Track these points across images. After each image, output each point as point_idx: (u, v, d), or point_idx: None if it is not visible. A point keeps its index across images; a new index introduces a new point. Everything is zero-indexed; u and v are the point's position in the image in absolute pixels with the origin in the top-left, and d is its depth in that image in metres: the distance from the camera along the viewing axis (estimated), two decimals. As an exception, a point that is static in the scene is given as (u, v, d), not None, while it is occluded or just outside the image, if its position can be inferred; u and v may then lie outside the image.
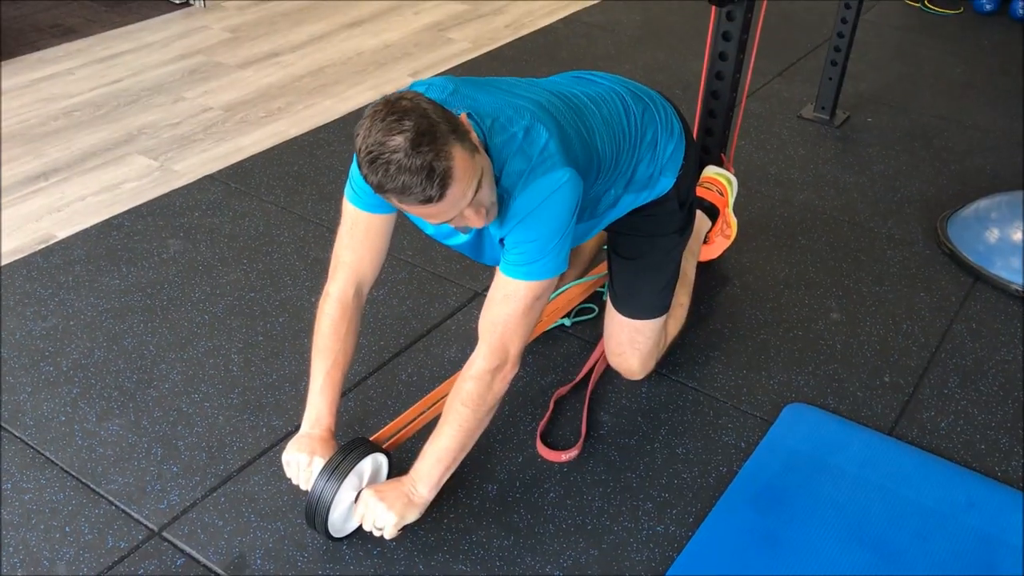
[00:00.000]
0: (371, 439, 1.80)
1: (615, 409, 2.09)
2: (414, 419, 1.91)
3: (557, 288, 2.28)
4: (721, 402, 2.12)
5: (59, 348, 2.20)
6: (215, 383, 2.12)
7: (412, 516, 1.71)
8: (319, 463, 1.70)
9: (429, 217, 1.51)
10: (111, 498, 1.84)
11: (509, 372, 1.69)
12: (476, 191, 1.48)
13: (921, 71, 3.80)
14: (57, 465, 1.91)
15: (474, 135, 1.52)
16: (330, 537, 1.72)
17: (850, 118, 3.39)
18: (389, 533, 1.68)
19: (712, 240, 2.46)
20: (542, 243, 1.60)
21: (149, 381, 2.12)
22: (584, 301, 2.35)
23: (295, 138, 3.11)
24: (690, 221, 2.05)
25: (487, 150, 1.57)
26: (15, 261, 2.48)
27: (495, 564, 1.74)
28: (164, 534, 1.77)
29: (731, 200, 2.46)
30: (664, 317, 2.07)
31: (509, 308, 1.65)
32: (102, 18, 3.91)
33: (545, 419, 2.04)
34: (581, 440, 1.98)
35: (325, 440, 1.74)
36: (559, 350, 2.26)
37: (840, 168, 3.08)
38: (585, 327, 2.32)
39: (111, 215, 2.68)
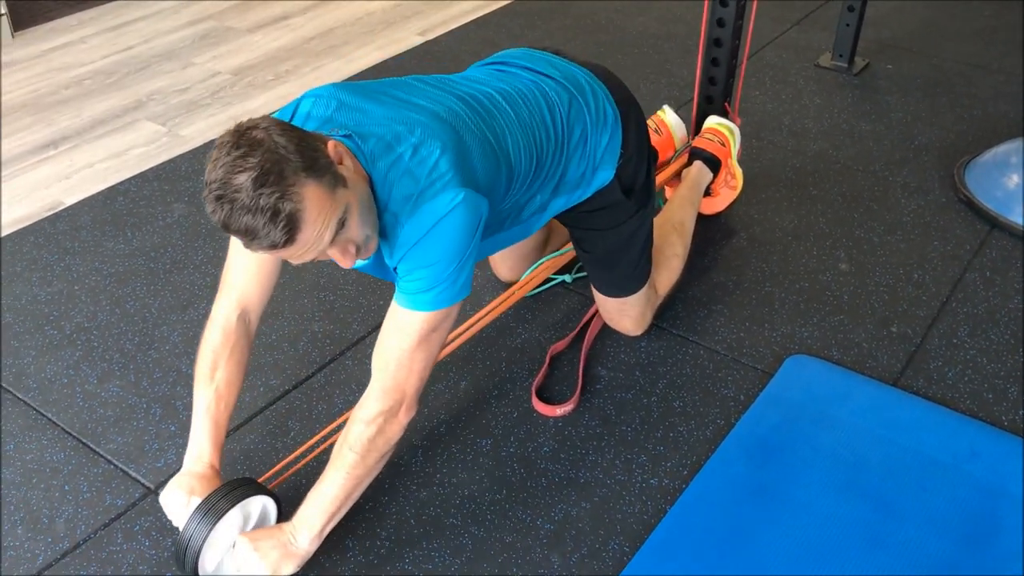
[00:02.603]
0: (260, 480, 1.70)
1: (612, 363, 2.07)
2: (306, 454, 1.82)
3: (556, 251, 2.24)
4: (722, 355, 2.09)
5: (63, 312, 2.23)
6: (214, 344, 2.13)
7: (288, 569, 1.55)
8: (196, 503, 1.56)
9: (289, 259, 1.39)
10: (110, 457, 1.87)
11: (404, 415, 1.56)
12: (338, 230, 1.37)
13: (946, 16, 3.67)
14: (58, 426, 1.93)
15: (348, 162, 1.40)
16: None
17: (869, 65, 3.29)
18: None
19: (716, 192, 2.41)
20: (437, 270, 1.47)
21: (150, 343, 2.14)
22: (585, 256, 2.32)
23: (302, 100, 3.10)
24: (646, 199, 1.92)
25: (370, 176, 1.46)
26: (23, 228, 2.51)
27: (486, 518, 1.73)
28: (160, 492, 1.79)
29: (734, 150, 2.41)
30: (647, 284, 2.02)
31: (403, 342, 1.52)
32: (115, -14, 3.92)
33: (541, 374, 2.02)
34: (576, 394, 1.96)
35: (207, 478, 1.61)
36: (559, 306, 2.24)
37: (856, 116, 3.00)
38: (586, 283, 2.29)
39: (118, 181, 2.70)
